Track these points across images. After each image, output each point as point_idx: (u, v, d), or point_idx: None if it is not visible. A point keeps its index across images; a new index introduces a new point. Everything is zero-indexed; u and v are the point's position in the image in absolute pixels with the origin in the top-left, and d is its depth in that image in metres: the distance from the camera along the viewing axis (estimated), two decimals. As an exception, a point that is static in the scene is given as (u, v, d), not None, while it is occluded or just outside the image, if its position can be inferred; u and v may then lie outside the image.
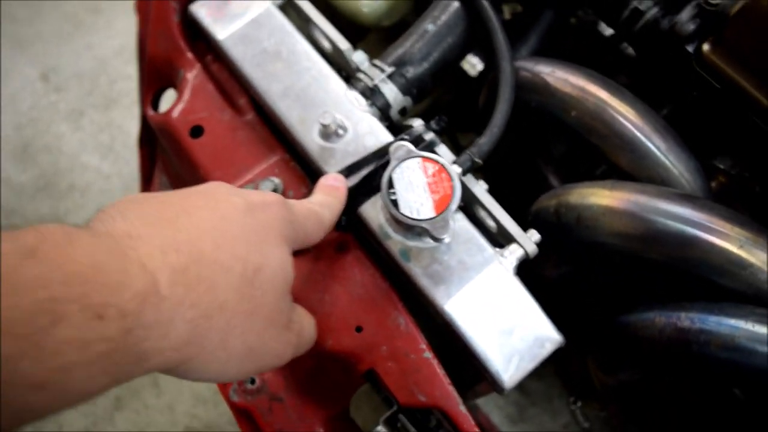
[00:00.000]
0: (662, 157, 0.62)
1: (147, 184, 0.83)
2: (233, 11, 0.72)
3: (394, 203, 0.56)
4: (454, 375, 0.61)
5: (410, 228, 0.57)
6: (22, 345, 0.29)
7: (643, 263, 0.62)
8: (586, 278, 0.75)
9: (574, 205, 0.63)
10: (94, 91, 1.76)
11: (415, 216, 0.56)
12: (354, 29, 0.78)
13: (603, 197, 0.61)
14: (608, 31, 0.86)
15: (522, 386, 1.25)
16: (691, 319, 0.57)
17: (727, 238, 0.56)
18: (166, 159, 0.80)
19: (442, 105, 0.97)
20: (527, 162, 0.81)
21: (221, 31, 0.71)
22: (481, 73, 0.85)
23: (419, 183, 0.56)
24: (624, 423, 0.90)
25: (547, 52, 0.87)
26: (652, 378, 0.69)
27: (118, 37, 1.81)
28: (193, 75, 0.75)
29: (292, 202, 0.52)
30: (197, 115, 0.72)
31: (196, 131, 0.71)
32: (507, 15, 0.93)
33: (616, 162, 0.64)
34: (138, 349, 0.34)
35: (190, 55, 0.75)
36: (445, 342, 0.63)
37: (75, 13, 1.85)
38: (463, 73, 0.83)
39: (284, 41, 0.69)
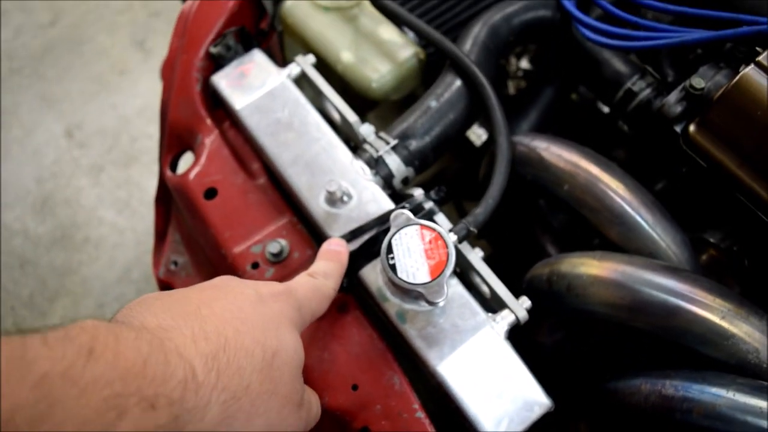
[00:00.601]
0: (650, 230, 0.65)
1: (160, 241, 0.87)
2: (251, 83, 0.78)
3: (392, 267, 0.59)
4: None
5: (407, 291, 0.60)
6: None
7: (630, 331, 0.64)
8: (576, 344, 0.77)
9: (564, 273, 0.66)
10: (114, 148, 1.83)
11: (411, 280, 0.59)
12: (365, 101, 0.84)
13: (592, 267, 0.64)
14: (606, 109, 0.91)
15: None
16: (675, 387, 0.59)
17: (709, 309, 0.58)
18: (180, 218, 0.85)
19: (449, 173, 1.02)
20: (526, 232, 0.85)
21: (239, 101, 0.76)
22: (486, 144, 0.90)
23: (416, 249, 0.60)
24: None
25: (548, 127, 0.93)
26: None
27: (141, 98, 1.90)
28: (210, 140, 0.80)
29: (296, 283, 0.56)
30: (212, 178, 0.77)
31: (210, 193, 0.76)
32: (512, 90, 0.99)
33: (606, 234, 0.67)
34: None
35: (209, 121, 0.81)
36: (437, 400, 0.64)
37: (102, 74, 1.95)
38: (470, 142, 0.88)
39: (297, 112, 0.74)
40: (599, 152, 0.95)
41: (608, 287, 0.62)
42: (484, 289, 0.67)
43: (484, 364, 0.61)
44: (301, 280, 0.58)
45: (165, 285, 0.83)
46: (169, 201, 0.87)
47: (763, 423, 0.51)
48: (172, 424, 0.37)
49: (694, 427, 0.56)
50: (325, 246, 0.63)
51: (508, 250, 0.91)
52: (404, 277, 0.59)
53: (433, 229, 0.61)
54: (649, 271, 0.61)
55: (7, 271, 1.66)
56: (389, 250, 0.60)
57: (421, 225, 0.61)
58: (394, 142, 0.69)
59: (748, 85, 0.61)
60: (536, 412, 0.61)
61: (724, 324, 0.58)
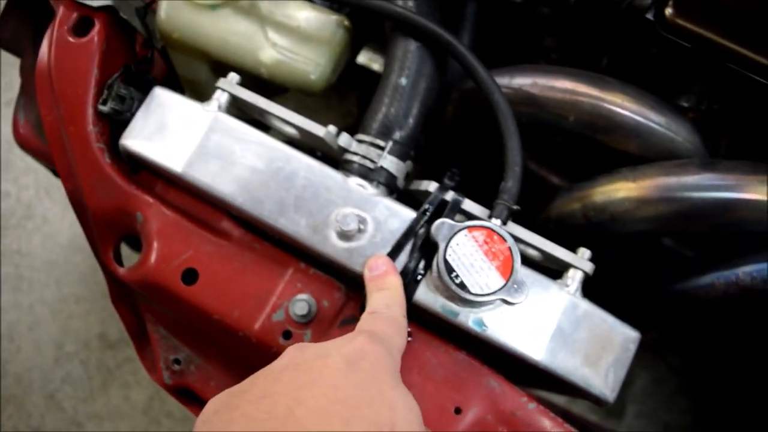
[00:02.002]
0: (666, 131, 0.63)
1: (142, 343, 0.74)
2: (176, 133, 0.64)
3: (461, 286, 0.53)
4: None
5: (485, 303, 0.55)
6: None
7: (680, 236, 0.63)
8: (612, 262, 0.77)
9: (602, 204, 0.63)
10: (-30, 225, 1.54)
11: (487, 291, 0.53)
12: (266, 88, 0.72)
13: (630, 190, 0.61)
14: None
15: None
16: (750, 275, 0.60)
17: (759, 191, 0.58)
18: (157, 310, 0.72)
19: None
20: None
21: (175, 162, 0.63)
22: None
23: (476, 256, 0.54)
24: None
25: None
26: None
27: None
28: (153, 214, 0.66)
29: (371, 325, 0.49)
30: (181, 258, 0.65)
31: (190, 276, 0.64)
32: None
33: (625, 149, 0.64)
34: None
35: (141, 194, 0.66)
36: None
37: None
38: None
39: (253, 147, 0.62)
40: (525, 44, 0.91)
41: (656, 205, 0.60)
42: (531, 252, 0.62)
43: (574, 332, 0.58)
44: (372, 320, 0.51)
45: (179, 389, 0.71)
46: (132, 297, 0.73)
47: None
48: None
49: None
50: (368, 274, 0.56)
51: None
52: (479, 291, 0.53)
53: (483, 227, 0.55)
54: (689, 175, 0.59)
55: None
56: (449, 268, 0.54)
57: (469, 227, 0.54)
58: (388, 144, 0.60)
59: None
60: (632, 349, 0.61)
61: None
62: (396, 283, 0.55)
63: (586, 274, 0.60)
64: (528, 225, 0.61)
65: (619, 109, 0.62)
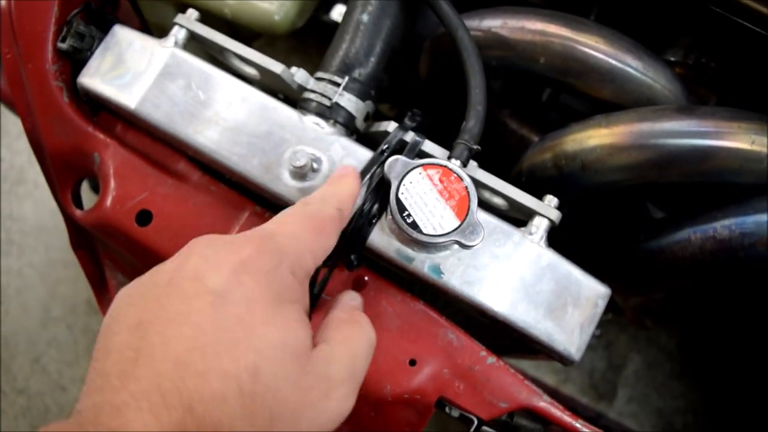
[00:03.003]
0: (643, 77, 0.59)
1: (101, 289, 0.73)
2: (133, 69, 0.61)
3: (413, 226, 0.51)
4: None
5: (438, 245, 0.52)
6: None
7: (657, 187, 0.60)
8: (587, 214, 0.74)
9: (573, 153, 0.60)
10: (-38, 188, 1.54)
11: (440, 232, 0.51)
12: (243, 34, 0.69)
13: (603, 136, 0.58)
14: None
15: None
16: (728, 228, 0.56)
17: (739, 138, 0.55)
18: (114, 255, 0.70)
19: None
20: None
21: (130, 99, 0.60)
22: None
23: (430, 195, 0.51)
24: (640, 315, 0.91)
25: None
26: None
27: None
28: (110, 155, 0.64)
29: (276, 222, 0.44)
30: (136, 199, 0.62)
31: (144, 217, 0.62)
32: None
33: (599, 96, 0.61)
34: None
35: (98, 134, 0.64)
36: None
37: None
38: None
39: (208, 84, 0.60)
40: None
41: (629, 152, 0.57)
42: (498, 201, 0.60)
43: (538, 283, 0.55)
44: (285, 214, 0.44)
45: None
46: (91, 242, 0.71)
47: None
48: None
49: (762, 258, 0.54)
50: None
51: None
52: (431, 231, 0.51)
53: (438, 165, 0.52)
54: (665, 121, 0.56)
55: None
56: (400, 207, 0.51)
57: (423, 165, 0.52)
58: (344, 81, 0.57)
59: None
60: (600, 305, 0.58)
61: (756, 148, 0.55)
62: (349, 182, 0.49)
63: (552, 222, 0.57)
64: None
65: (592, 51, 0.58)
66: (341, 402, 0.40)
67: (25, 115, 0.67)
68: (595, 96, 0.61)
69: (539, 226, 0.56)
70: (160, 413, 0.33)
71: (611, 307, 0.92)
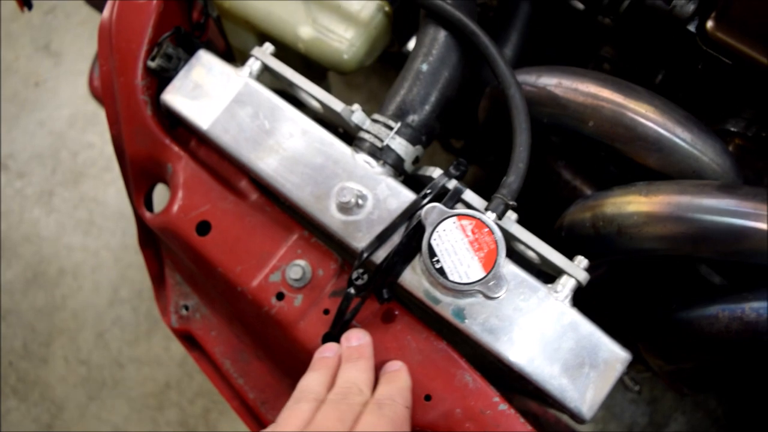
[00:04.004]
0: (690, 149, 0.60)
1: (160, 285, 0.79)
2: (210, 93, 0.68)
3: (441, 272, 0.54)
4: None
5: (462, 292, 0.55)
6: None
7: (692, 260, 0.60)
8: (622, 278, 0.74)
9: (611, 216, 0.61)
10: (57, 169, 1.68)
11: (465, 281, 0.53)
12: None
13: (641, 204, 0.59)
14: (581, 5, 0.83)
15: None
16: (757, 311, 0.56)
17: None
18: (175, 257, 0.77)
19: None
20: (542, 170, 0.79)
21: (204, 120, 0.67)
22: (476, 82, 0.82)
23: (460, 244, 0.54)
24: (675, 381, 0.90)
25: (531, 45, 0.85)
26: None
27: (66, 107, 1.73)
28: (182, 167, 0.70)
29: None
30: (199, 210, 0.69)
31: (203, 228, 0.68)
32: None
33: (644, 163, 0.62)
34: None
35: (174, 147, 0.71)
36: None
37: (16, 92, 1.76)
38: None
39: (274, 115, 0.65)
40: (582, 51, 0.89)
41: (665, 223, 0.58)
42: (531, 254, 0.62)
43: (557, 340, 0.57)
44: (367, 422, 0.51)
45: (182, 334, 0.76)
46: (156, 242, 0.78)
47: None
48: None
49: (790, 347, 0.54)
50: (346, 352, 0.58)
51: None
52: (457, 279, 0.53)
53: (472, 217, 0.55)
54: (705, 197, 0.56)
55: (-9, 328, 1.56)
56: (431, 252, 0.54)
57: (458, 215, 0.55)
58: (397, 126, 0.61)
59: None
60: (618, 369, 0.58)
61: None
62: (405, 378, 0.57)
63: (579, 282, 0.58)
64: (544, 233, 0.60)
65: (641, 119, 0.60)
66: None
67: (113, 122, 0.75)
68: (641, 163, 0.62)
69: (565, 285, 0.58)
70: None
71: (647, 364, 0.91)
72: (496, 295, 0.53)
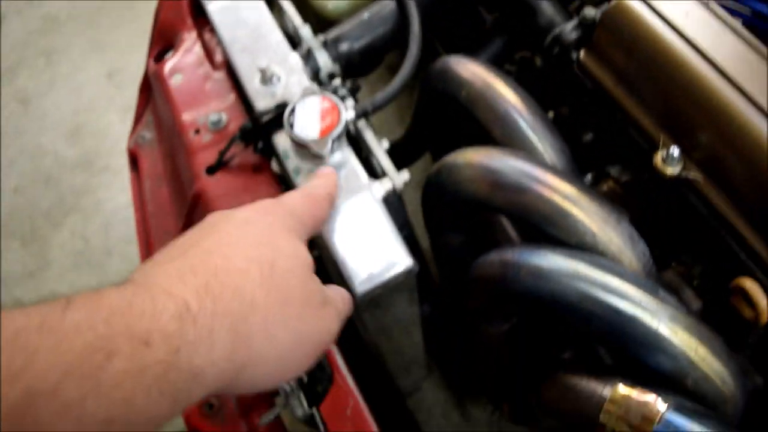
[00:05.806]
0: (528, 131, 0.74)
1: (137, 122, 1.02)
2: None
3: (291, 125, 0.71)
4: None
5: (301, 147, 0.71)
6: (84, 385, 0.31)
7: (490, 209, 0.73)
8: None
9: (449, 163, 0.76)
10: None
11: (302, 135, 0.70)
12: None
13: (468, 154, 0.74)
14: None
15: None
16: (513, 253, 0.68)
17: (555, 191, 0.67)
18: (154, 102, 0.99)
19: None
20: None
21: (211, 3, 0.90)
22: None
23: (314, 113, 0.71)
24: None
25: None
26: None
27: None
28: (188, 37, 0.94)
29: (285, 195, 0.56)
30: (178, 67, 0.91)
31: (176, 78, 0.90)
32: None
33: (491, 132, 0.76)
34: (190, 366, 0.36)
35: (189, 22, 0.95)
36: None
37: (148, 30, 2.15)
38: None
39: (258, 15, 0.87)
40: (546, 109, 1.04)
41: (476, 168, 0.72)
42: (375, 163, 0.77)
43: (358, 223, 0.70)
44: (288, 193, 0.57)
45: (131, 155, 0.97)
46: (150, 89, 1.01)
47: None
48: (173, 357, 0.35)
49: (521, 285, 0.65)
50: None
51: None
52: (298, 132, 0.70)
53: (332, 100, 0.72)
54: (511, 157, 0.71)
55: (34, 185, 1.85)
56: (293, 111, 0.72)
57: (323, 96, 0.72)
58: (322, 39, 0.81)
59: (624, 9, 0.70)
60: (397, 269, 0.69)
61: (566, 204, 0.66)
62: (333, 176, 0.65)
63: (395, 186, 0.73)
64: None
65: (498, 96, 0.75)
66: (333, 320, 0.49)
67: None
68: (488, 132, 0.77)
69: (383, 184, 0.72)
70: (185, 276, 0.39)
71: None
72: (320, 153, 0.69)
